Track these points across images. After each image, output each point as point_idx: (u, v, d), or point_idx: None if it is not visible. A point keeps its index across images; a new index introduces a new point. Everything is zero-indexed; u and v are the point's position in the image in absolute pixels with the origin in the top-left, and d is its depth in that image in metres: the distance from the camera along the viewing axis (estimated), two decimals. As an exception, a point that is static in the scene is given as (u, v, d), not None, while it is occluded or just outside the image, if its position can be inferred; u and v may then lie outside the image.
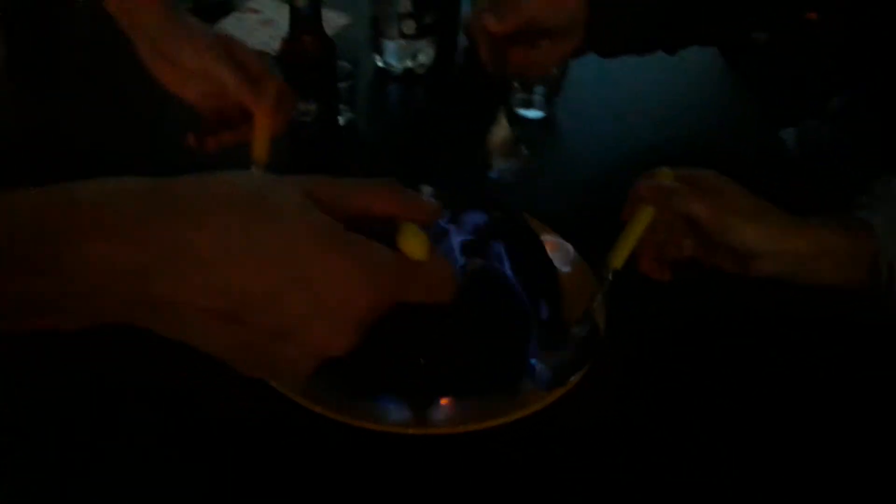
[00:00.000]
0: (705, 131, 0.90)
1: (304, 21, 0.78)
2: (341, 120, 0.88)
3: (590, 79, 0.96)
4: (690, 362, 0.62)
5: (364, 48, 1.01)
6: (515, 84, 0.91)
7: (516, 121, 0.89)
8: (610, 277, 0.56)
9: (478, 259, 0.58)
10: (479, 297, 0.57)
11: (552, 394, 0.55)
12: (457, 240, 0.57)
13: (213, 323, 0.34)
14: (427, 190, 0.63)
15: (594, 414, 0.57)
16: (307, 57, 0.80)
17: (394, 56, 0.99)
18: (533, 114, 0.92)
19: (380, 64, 1.00)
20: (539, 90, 0.90)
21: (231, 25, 1.06)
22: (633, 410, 0.58)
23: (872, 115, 0.93)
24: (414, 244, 0.35)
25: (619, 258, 0.56)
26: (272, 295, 0.34)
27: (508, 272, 0.58)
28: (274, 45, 0.99)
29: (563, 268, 0.65)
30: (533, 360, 0.56)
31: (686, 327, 0.64)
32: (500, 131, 0.80)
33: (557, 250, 0.66)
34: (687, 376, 0.61)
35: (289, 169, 0.85)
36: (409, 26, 0.96)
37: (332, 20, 1.06)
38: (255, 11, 1.09)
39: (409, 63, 0.99)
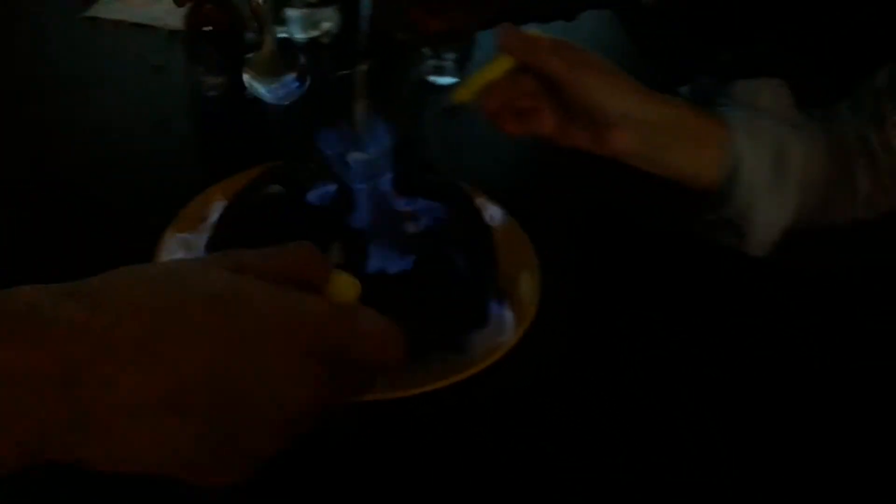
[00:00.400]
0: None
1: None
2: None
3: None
4: (627, 324, 0.63)
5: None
6: (425, 51, 0.91)
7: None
8: (448, 108, 0.57)
9: (418, 219, 0.58)
10: (426, 257, 0.57)
11: (489, 356, 0.56)
12: (396, 202, 0.57)
13: (151, 424, 0.30)
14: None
15: (532, 376, 0.57)
16: (214, 27, 0.77)
17: (297, 26, 0.96)
18: (445, 80, 0.92)
19: (283, 34, 0.97)
20: (450, 56, 0.90)
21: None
22: (570, 372, 0.59)
23: (757, 67, 0.99)
24: (344, 289, 0.35)
25: (461, 93, 0.56)
26: (214, 371, 0.31)
27: (448, 232, 0.59)
28: (168, 20, 0.95)
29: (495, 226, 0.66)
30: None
31: (622, 290, 0.65)
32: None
33: (486, 211, 0.67)
34: (623, 339, 0.61)
35: (198, 143, 0.83)
36: (313, -6, 0.93)
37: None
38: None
39: (313, 32, 0.97)
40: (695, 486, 0.51)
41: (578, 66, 0.54)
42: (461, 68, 0.91)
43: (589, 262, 0.66)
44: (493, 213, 0.66)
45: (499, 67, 0.55)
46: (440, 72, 0.91)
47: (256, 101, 0.85)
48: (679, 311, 0.64)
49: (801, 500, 0.51)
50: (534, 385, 0.57)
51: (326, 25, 0.97)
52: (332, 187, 0.59)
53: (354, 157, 0.63)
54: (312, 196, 0.59)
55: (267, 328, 0.32)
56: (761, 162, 0.56)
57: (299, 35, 0.96)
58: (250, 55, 0.83)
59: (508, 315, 0.59)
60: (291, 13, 0.95)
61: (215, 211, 0.65)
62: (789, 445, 0.54)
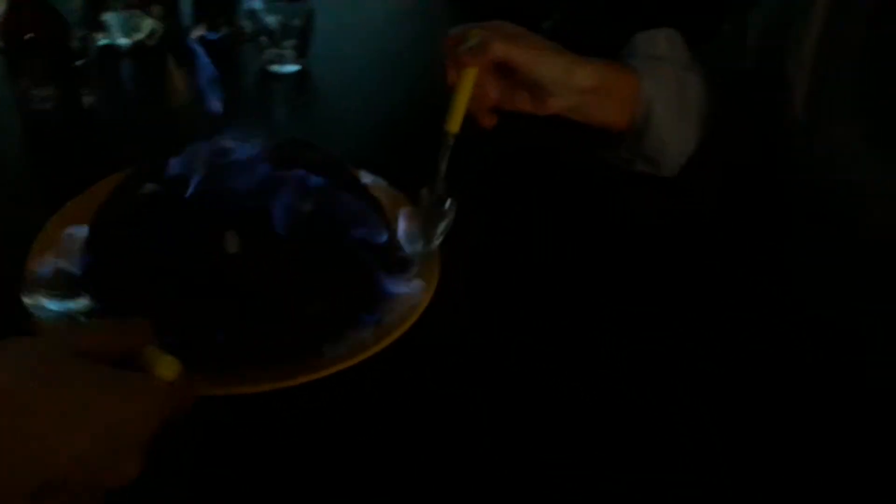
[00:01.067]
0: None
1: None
2: (84, 103, 0.80)
3: (332, 28, 0.98)
4: (525, 289, 0.64)
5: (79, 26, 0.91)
6: (263, 40, 0.89)
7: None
8: (451, 143, 0.60)
9: (309, 199, 0.57)
10: (319, 236, 0.57)
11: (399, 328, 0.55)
12: (287, 180, 0.56)
13: None
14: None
15: (442, 342, 0.57)
16: (36, 34, 0.72)
17: (118, 30, 0.91)
18: (287, 68, 0.91)
19: (104, 41, 0.92)
20: (289, 44, 0.89)
21: None
22: (478, 339, 0.58)
23: (575, 34, 1.06)
24: (167, 368, 0.40)
25: (455, 122, 0.60)
26: (79, 459, 0.35)
27: (339, 205, 0.59)
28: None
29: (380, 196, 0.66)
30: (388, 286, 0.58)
31: (522, 254, 0.67)
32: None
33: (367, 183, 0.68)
34: (526, 304, 0.62)
35: (32, 164, 0.76)
36: (132, -5, 0.89)
37: None
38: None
39: (137, 35, 0.92)
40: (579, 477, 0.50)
41: (529, 48, 0.61)
42: (301, 55, 0.91)
43: (489, 227, 0.68)
44: (377, 184, 0.67)
45: (469, 83, 0.60)
46: (281, 59, 0.90)
47: (94, 111, 0.80)
48: (597, 285, 0.64)
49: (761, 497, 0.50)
50: (442, 353, 0.57)
51: (148, 26, 0.93)
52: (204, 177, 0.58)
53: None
54: (192, 188, 0.57)
55: (120, 422, 0.36)
56: (668, 103, 0.65)
57: (122, 40, 0.92)
58: (80, 62, 0.78)
59: (412, 286, 0.59)
60: (110, 18, 0.90)
61: (75, 230, 0.61)
62: (704, 438, 0.52)
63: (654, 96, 0.64)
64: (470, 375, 0.56)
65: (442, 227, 0.62)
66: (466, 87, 0.60)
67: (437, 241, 0.61)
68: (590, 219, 0.71)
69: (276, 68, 0.91)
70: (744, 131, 0.67)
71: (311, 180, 0.59)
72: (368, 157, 0.69)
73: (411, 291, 0.58)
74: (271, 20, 0.88)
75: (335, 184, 0.60)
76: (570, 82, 0.62)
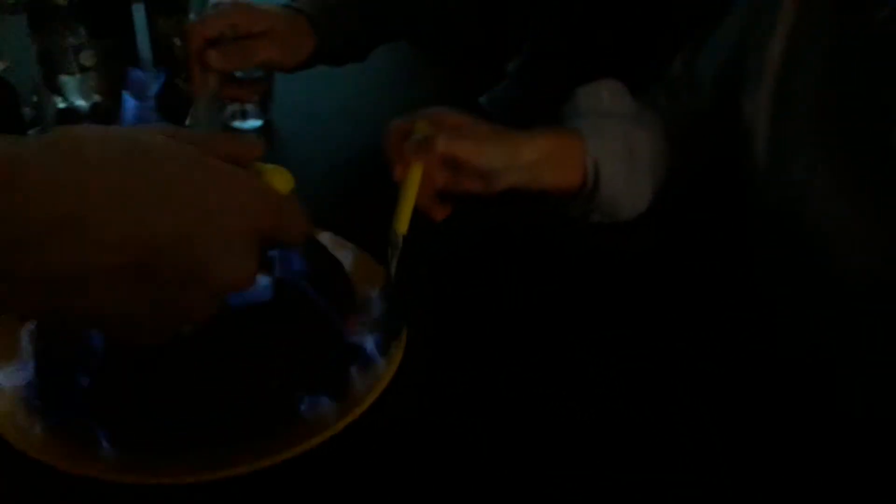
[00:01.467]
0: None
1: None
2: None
3: (296, 79, 0.96)
4: (496, 349, 0.62)
5: (29, 92, 0.89)
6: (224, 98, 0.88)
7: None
8: (400, 243, 0.58)
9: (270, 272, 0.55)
10: (284, 311, 0.55)
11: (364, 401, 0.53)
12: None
13: (119, 285, 0.32)
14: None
15: (408, 414, 0.55)
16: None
17: (76, 93, 0.89)
18: (250, 124, 0.89)
19: (62, 105, 0.90)
20: (252, 100, 0.88)
21: None
22: (444, 406, 0.56)
23: (539, 75, 1.06)
24: (281, 181, 0.39)
25: (403, 222, 0.58)
26: (183, 236, 0.33)
27: (302, 279, 0.57)
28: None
29: (345, 261, 0.64)
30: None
31: (486, 314, 0.65)
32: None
33: (334, 246, 0.65)
34: (495, 363, 0.60)
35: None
36: (88, 57, 0.87)
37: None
38: None
39: (95, 97, 0.90)
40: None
41: (473, 140, 0.61)
42: (264, 110, 0.90)
43: (452, 291, 0.66)
44: (338, 245, 0.65)
45: (416, 180, 0.59)
46: (243, 115, 0.89)
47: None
48: (548, 326, 0.64)
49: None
50: (407, 427, 0.54)
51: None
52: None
53: None
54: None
55: (232, 207, 0.35)
56: (616, 159, 0.65)
57: (80, 102, 0.90)
58: (32, 131, 0.76)
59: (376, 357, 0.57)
60: (66, 80, 0.88)
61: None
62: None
63: (602, 155, 0.64)
64: (435, 450, 0.53)
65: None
66: (413, 184, 0.59)
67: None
68: (552, 273, 0.70)
69: (237, 124, 0.89)
70: (703, 177, 0.67)
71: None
72: (335, 217, 0.67)
73: (375, 364, 0.55)
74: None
75: (294, 251, 0.58)
76: (516, 163, 0.62)
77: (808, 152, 0.56)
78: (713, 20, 0.69)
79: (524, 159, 0.62)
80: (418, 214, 0.60)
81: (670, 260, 0.70)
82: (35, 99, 0.76)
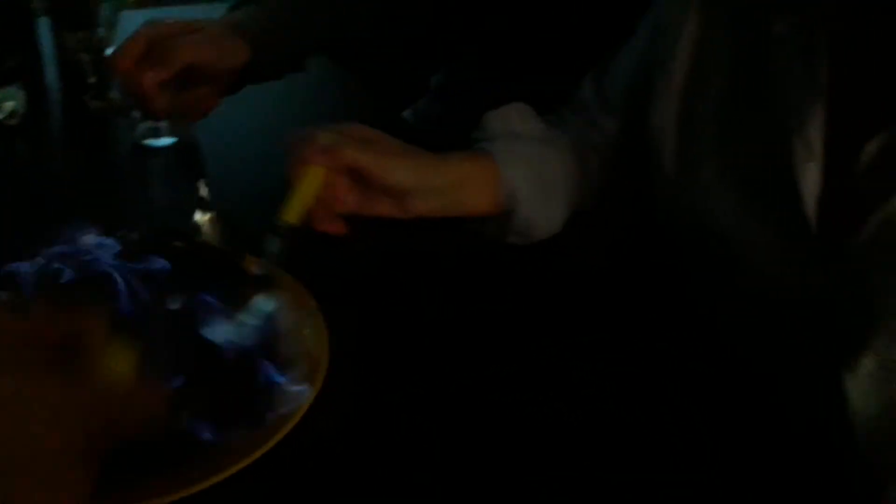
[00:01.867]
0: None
1: None
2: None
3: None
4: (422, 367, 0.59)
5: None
6: (136, 115, 0.84)
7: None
8: (282, 233, 0.57)
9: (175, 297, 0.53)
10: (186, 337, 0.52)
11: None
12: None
13: None
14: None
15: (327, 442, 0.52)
16: None
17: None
18: (163, 142, 0.86)
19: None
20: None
21: None
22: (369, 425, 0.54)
23: (463, 88, 1.06)
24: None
25: (291, 213, 0.57)
26: None
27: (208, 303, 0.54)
28: None
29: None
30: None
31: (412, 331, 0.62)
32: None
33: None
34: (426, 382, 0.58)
35: None
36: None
37: None
38: None
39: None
40: None
41: (379, 154, 0.59)
42: (177, 129, 0.86)
43: (376, 309, 0.63)
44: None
45: (315, 181, 0.57)
46: (156, 133, 0.85)
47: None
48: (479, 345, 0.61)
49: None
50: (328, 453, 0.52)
51: (10, 105, 0.86)
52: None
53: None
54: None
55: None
56: (528, 181, 0.65)
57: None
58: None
59: (299, 376, 0.55)
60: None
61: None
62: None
63: (515, 177, 0.64)
64: (357, 476, 0.51)
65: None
66: (310, 182, 0.57)
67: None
68: (477, 290, 0.67)
69: (150, 142, 0.86)
70: (619, 193, 0.68)
71: (178, 275, 0.54)
72: (255, 235, 0.64)
73: (294, 390, 0.53)
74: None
75: (207, 277, 0.55)
76: (426, 185, 0.61)
77: (713, 163, 0.57)
78: (619, 40, 0.70)
79: (435, 182, 0.62)
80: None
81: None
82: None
